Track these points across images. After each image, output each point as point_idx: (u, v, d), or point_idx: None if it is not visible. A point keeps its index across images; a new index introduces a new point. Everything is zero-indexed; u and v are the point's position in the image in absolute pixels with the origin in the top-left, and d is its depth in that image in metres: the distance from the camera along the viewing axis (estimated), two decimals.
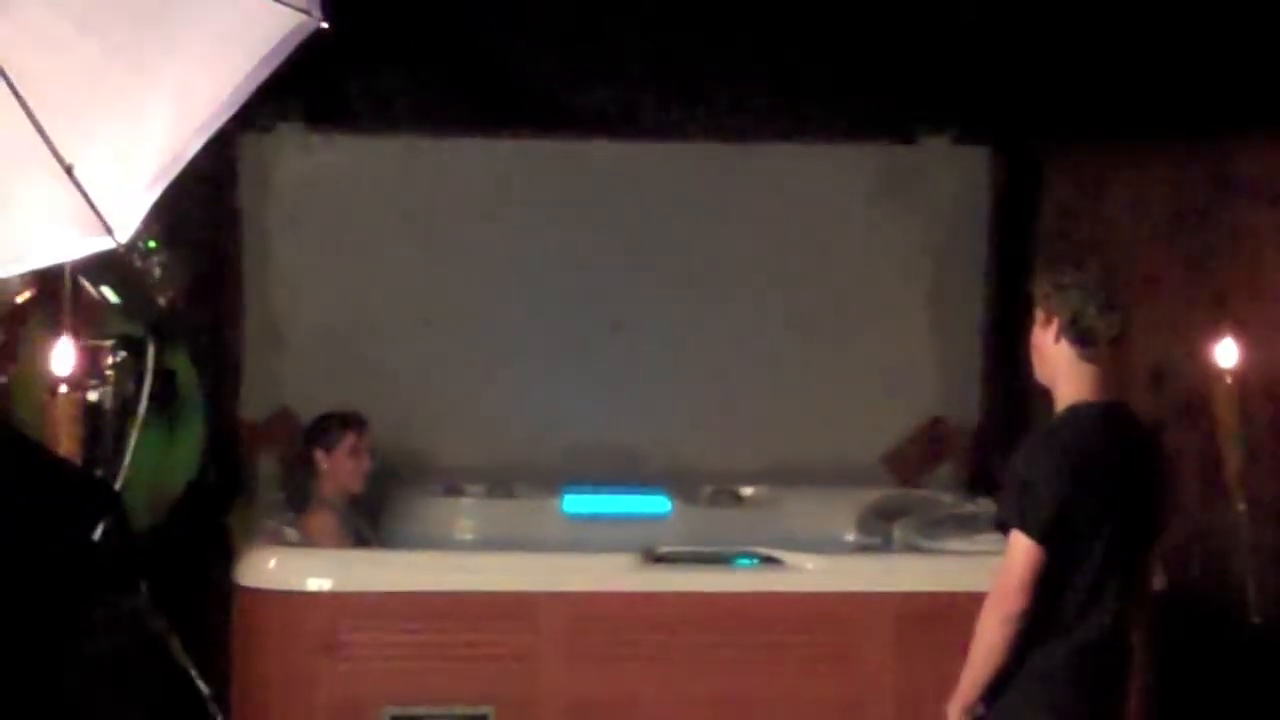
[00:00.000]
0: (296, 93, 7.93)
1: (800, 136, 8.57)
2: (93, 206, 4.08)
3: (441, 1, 8.41)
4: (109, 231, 4.13)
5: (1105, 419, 5.11)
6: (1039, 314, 5.17)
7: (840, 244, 8.67)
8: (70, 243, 4.23)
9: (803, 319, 8.66)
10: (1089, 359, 5.08)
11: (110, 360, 6.12)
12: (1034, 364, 5.24)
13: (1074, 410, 5.10)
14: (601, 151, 8.59)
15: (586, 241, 8.56)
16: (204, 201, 7.82)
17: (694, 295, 8.61)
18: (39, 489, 2.88)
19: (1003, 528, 5.08)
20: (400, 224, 8.47)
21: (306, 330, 8.40)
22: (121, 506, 3.12)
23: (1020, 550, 4.98)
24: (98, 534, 2.90)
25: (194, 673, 3.74)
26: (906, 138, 8.65)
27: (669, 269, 8.59)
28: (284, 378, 8.37)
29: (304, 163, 8.40)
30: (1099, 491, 5.02)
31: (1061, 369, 5.12)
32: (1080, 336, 5.07)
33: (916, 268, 8.73)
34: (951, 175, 8.71)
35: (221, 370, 8.20)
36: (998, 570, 5.06)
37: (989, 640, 5.03)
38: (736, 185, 8.62)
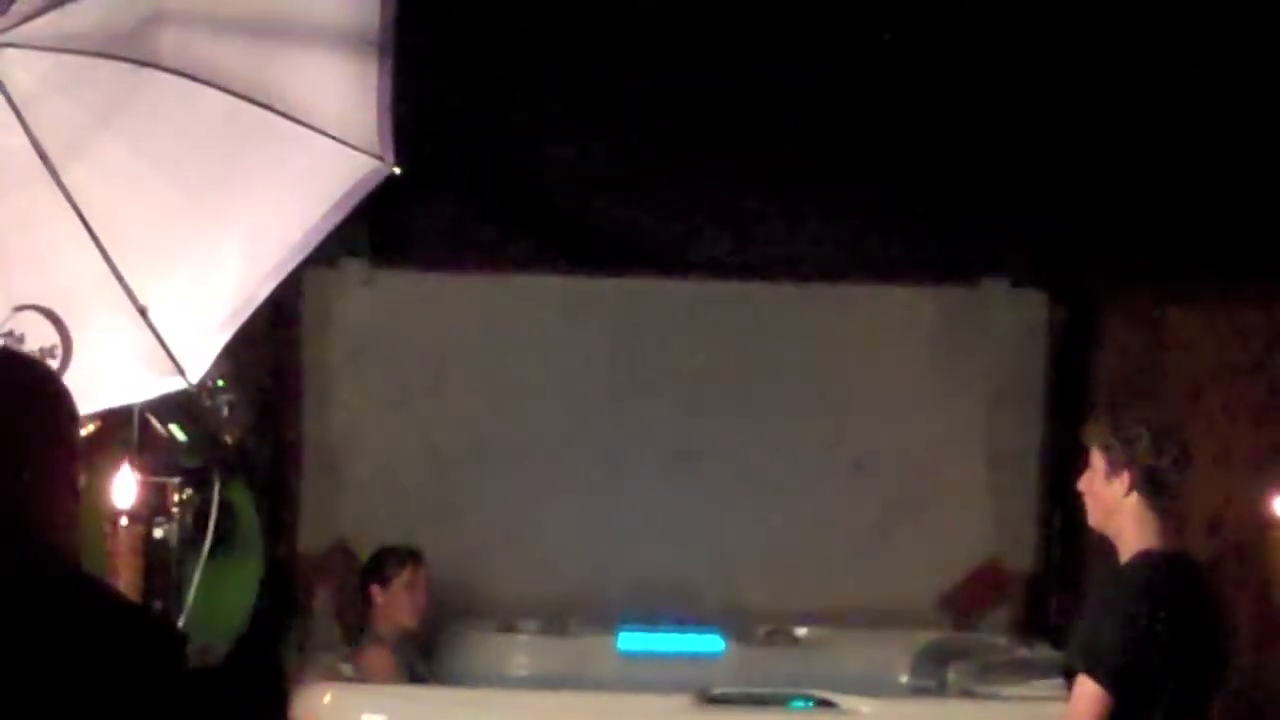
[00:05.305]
0: (360, 226, 7.98)
1: (861, 277, 8.61)
2: (165, 348, 4.12)
3: (504, 139, 8.50)
4: (181, 372, 4.17)
5: (1173, 568, 5.09)
6: (1101, 464, 5.13)
7: (899, 384, 8.66)
8: (142, 383, 4.27)
9: (860, 458, 8.64)
10: (1158, 509, 5.06)
11: (176, 496, 6.14)
12: (1092, 512, 5.20)
13: (1144, 558, 5.07)
14: (661, 288, 8.62)
15: (645, 377, 8.57)
16: (266, 335, 7.86)
17: (752, 432, 8.59)
18: (112, 636, 2.88)
19: (1069, 674, 5.04)
20: (459, 358, 8.50)
21: (365, 464, 8.40)
22: (185, 648, 3.12)
23: (1088, 697, 4.93)
24: (169, 678, 2.90)
25: None
26: (966, 280, 8.68)
27: (727, 406, 8.57)
28: (341, 511, 8.36)
29: (366, 297, 8.45)
30: (1168, 640, 4.98)
31: (1129, 518, 5.08)
32: (1156, 489, 5.05)
33: (975, 409, 8.70)
34: (1010, 318, 8.70)
35: (279, 502, 8.21)
36: (1063, 717, 5.02)
37: None
38: (796, 323, 8.63)
